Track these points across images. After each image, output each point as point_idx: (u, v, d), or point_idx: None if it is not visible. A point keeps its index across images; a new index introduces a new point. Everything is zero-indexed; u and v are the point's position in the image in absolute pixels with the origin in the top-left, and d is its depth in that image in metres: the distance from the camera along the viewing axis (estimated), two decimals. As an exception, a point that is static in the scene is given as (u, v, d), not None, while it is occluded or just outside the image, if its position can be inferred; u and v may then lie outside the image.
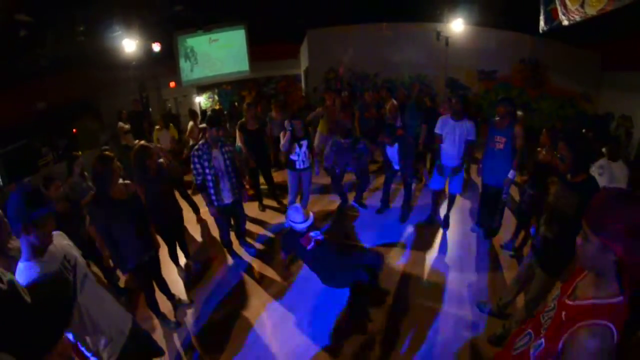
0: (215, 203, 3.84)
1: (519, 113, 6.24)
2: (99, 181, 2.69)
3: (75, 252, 1.89)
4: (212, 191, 3.78)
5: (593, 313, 1.16)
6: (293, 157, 4.55)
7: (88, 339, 1.82)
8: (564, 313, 1.27)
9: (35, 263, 1.63)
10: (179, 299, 3.60)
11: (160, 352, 2.50)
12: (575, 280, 1.37)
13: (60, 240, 1.84)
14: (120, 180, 2.81)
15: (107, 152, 2.80)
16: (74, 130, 7.32)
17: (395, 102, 6.55)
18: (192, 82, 10.25)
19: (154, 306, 3.26)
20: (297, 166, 4.60)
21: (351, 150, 4.90)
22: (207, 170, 3.68)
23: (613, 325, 1.11)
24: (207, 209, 3.89)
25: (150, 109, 9.10)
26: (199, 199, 5.08)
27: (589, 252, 1.17)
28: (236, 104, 9.93)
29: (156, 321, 3.34)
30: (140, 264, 2.93)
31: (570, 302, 1.28)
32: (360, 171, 5.18)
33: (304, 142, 4.53)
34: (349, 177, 5.49)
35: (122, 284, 3.97)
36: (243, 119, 5.16)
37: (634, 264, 1.10)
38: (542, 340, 1.32)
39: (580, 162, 2.26)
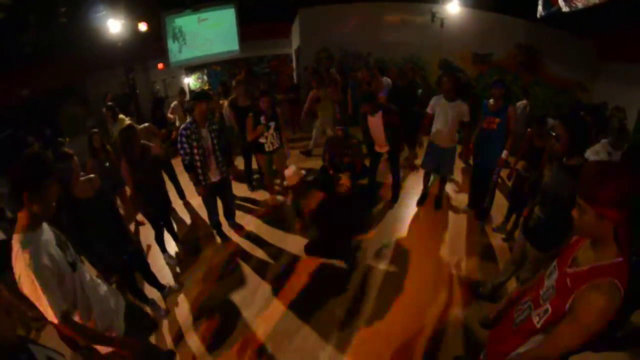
0: (203, 182, 3.81)
1: (524, 102, 6.26)
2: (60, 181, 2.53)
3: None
4: (199, 170, 3.75)
5: (598, 273, 1.25)
6: (261, 139, 4.45)
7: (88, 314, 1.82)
8: (568, 280, 1.36)
9: (34, 234, 1.60)
10: (170, 288, 3.59)
11: (155, 325, 2.50)
12: (573, 251, 1.45)
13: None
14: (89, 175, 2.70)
15: (66, 149, 2.66)
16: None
17: (388, 79, 6.56)
18: (180, 63, 9.95)
19: (139, 296, 3.24)
20: (267, 149, 4.51)
21: (344, 143, 4.84)
22: (195, 150, 3.64)
23: (618, 281, 1.20)
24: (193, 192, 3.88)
25: (138, 91, 8.85)
26: (185, 183, 5.08)
27: (587, 222, 1.27)
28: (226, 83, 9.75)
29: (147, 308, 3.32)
30: (120, 262, 2.87)
31: (573, 270, 1.37)
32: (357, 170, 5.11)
33: (272, 124, 4.40)
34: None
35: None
36: (234, 95, 5.09)
37: (627, 226, 1.23)
38: (548, 306, 1.41)
39: (576, 142, 2.27)
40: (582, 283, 1.28)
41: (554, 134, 2.36)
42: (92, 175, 2.71)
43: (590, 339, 1.28)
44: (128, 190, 3.70)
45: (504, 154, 3.99)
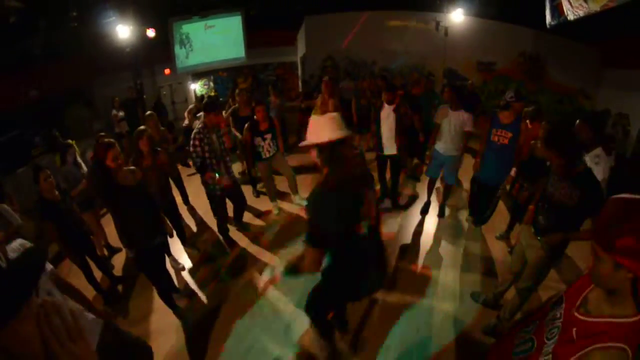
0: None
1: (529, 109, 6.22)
2: (102, 168, 2.64)
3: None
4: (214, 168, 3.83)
5: (608, 334, 1.09)
6: (258, 148, 4.49)
7: None
8: (574, 329, 1.20)
9: None
10: (182, 294, 3.55)
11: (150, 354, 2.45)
12: (584, 291, 1.29)
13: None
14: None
15: (108, 139, 2.75)
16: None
17: None
18: (187, 69, 10.12)
19: (167, 298, 3.18)
20: (264, 156, 4.54)
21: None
22: (207, 154, 3.72)
23: (629, 347, 1.05)
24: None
25: (145, 96, 8.96)
26: (190, 189, 5.19)
27: (603, 271, 1.10)
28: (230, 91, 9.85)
29: (155, 316, 3.30)
30: (150, 248, 2.91)
31: (582, 317, 1.22)
32: None
33: (268, 136, 4.44)
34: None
35: (117, 272, 3.99)
36: (236, 105, 5.14)
37: None
38: (550, 356, 1.25)
39: (571, 160, 2.25)
40: (589, 341, 1.12)
41: (548, 161, 2.36)
42: (133, 167, 2.88)
43: None
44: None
45: (513, 171, 3.90)
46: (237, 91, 5.24)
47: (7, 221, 3.32)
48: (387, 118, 4.38)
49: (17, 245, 1.82)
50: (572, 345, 1.16)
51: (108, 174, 2.64)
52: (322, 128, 1.84)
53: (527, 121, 3.76)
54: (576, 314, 1.24)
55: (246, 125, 4.43)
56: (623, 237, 1.02)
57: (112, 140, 2.72)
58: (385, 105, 4.39)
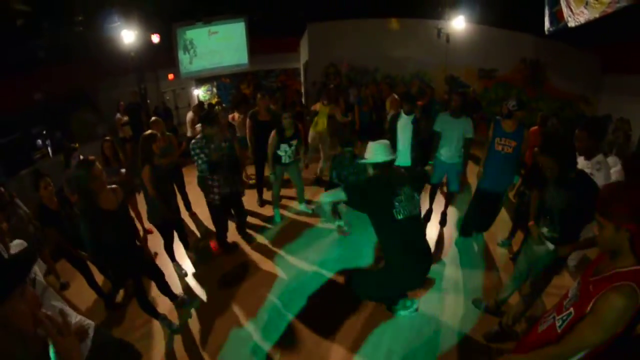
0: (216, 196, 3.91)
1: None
2: (83, 190, 2.45)
3: (35, 267, 1.79)
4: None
5: (618, 278, 1.36)
6: (280, 152, 4.51)
7: None
8: (591, 286, 1.46)
9: None
10: (182, 299, 3.54)
11: (139, 356, 2.44)
12: (595, 265, 1.57)
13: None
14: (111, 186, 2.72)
15: (89, 157, 2.57)
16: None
17: (396, 96, 6.58)
18: (190, 75, 10.19)
19: (148, 309, 3.15)
20: (283, 161, 4.57)
21: (350, 163, 4.79)
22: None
23: (637, 285, 1.30)
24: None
25: (149, 101, 9.03)
26: (192, 195, 5.19)
27: (607, 236, 1.41)
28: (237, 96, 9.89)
29: (157, 321, 3.27)
30: (132, 271, 2.89)
31: (594, 278, 1.48)
32: None
33: (294, 142, 4.49)
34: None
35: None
36: (256, 108, 5.11)
37: None
38: (571, 310, 1.51)
39: (566, 166, 2.28)
40: (603, 287, 1.38)
41: (543, 168, 2.39)
42: (114, 186, 2.73)
43: (608, 341, 1.37)
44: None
45: (515, 179, 3.91)
46: (258, 95, 5.16)
47: (24, 211, 3.51)
48: (405, 128, 4.35)
49: (17, 243, 2.00)
50: (589, 296, 1.42)
51: (91, 197, 2.48)
52: (380, 151, 2.59)
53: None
54: (590, 279, 1.50)
55: (273, 132, 4.44)
56: (619, 206, 1.35)
57: (92, 157, 2.54)
58: (403, 115, 4.37)
